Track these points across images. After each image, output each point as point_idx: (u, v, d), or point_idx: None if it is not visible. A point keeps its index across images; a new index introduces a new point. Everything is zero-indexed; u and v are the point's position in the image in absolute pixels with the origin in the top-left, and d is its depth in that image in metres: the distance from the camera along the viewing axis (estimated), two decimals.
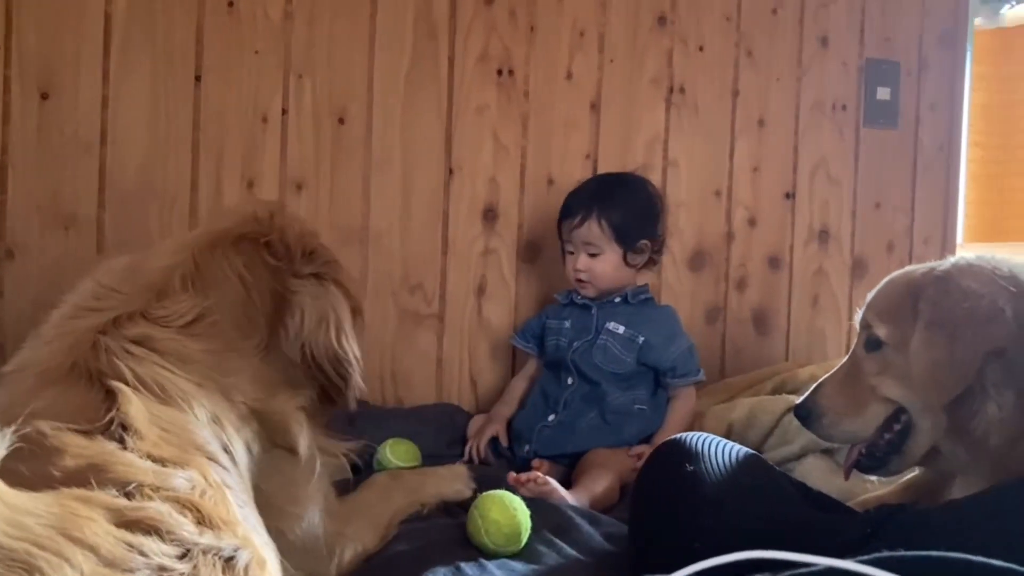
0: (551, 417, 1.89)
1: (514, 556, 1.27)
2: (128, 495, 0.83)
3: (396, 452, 1.74)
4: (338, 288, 1.34)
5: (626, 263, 1.96)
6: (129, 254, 1.28)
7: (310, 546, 1.20)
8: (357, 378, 1.34)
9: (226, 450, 1.05)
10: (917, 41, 2.54)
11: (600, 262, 1.95)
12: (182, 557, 0.80)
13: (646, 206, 2.00)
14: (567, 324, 1.98)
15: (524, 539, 1.30)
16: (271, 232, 1.30)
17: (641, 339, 1.90)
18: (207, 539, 0.83)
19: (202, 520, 0.85)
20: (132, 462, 0.89)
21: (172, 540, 0.80)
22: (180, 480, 0.89)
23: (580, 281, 1.97)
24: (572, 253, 1.98)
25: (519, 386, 2.07)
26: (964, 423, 1.24)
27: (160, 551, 0.78)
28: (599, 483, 1.65)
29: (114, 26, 1.93)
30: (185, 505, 0.86)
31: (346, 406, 1.37)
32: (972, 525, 0.92)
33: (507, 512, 1.30)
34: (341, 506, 1.31)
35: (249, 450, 1.12)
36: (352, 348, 1.32)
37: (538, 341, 2.06)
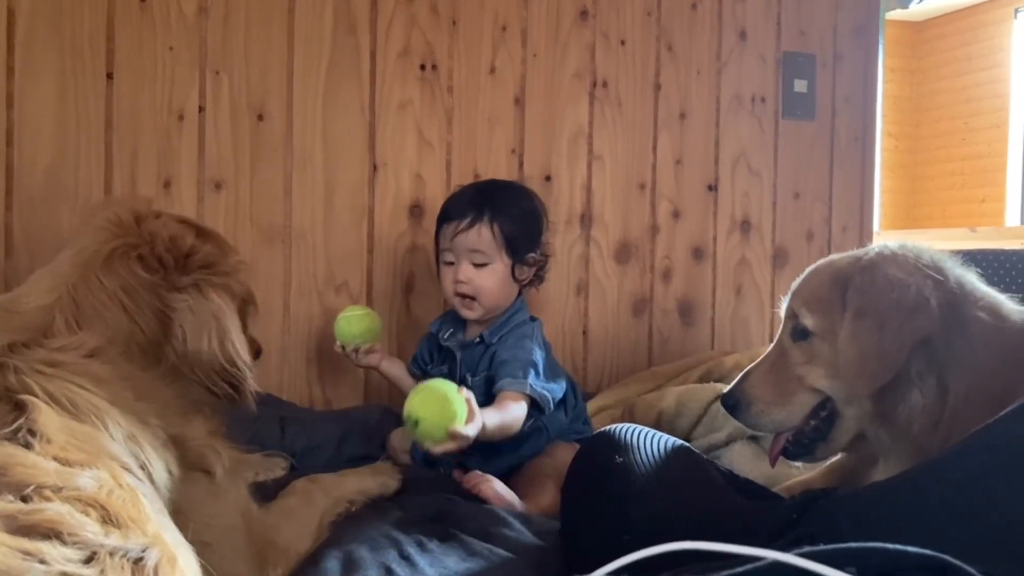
0: None
1: (447, 554, 1.25)
2: (24, 498, 0.78)
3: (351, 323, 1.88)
4: (220, 290, 1.27)
5: (514, 277, 1.78)
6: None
7: (240, 556, 1.17)
8: (251, 382, 1.30)
9: (143, 467, 1.00)
10: (831, 34, 2.60)
11: (487, 274, 1.74)
12: (88, 561, 0.74)
13: (536, 215, 1.83)
14: (443, 368, 1.81)
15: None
16: (140, 242, 1.23)
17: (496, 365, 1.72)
18: (113, 539, 0.77)
19: (108, 519, 0.80)
20: (35, 463, 0.83)
21: (75, 543, 0.74)
22: (85, 479, 0.84)
23: (462, 296, 1.76)
24: (451, 264, 1.77)
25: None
26: (889, 410, 1.27)
27: (62, 556, 0.72)
28: (545, 495, 1.61)
29: (18, 20, 1.86)
30: (89, 504, 0.80)
31: (248, 408, 1.33)
32: (889, 508, 0.94)
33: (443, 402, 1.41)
34: (265, 515, 1.27)
35: (169, 472, 1.07)
36: (240, 352, 1.27)
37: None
